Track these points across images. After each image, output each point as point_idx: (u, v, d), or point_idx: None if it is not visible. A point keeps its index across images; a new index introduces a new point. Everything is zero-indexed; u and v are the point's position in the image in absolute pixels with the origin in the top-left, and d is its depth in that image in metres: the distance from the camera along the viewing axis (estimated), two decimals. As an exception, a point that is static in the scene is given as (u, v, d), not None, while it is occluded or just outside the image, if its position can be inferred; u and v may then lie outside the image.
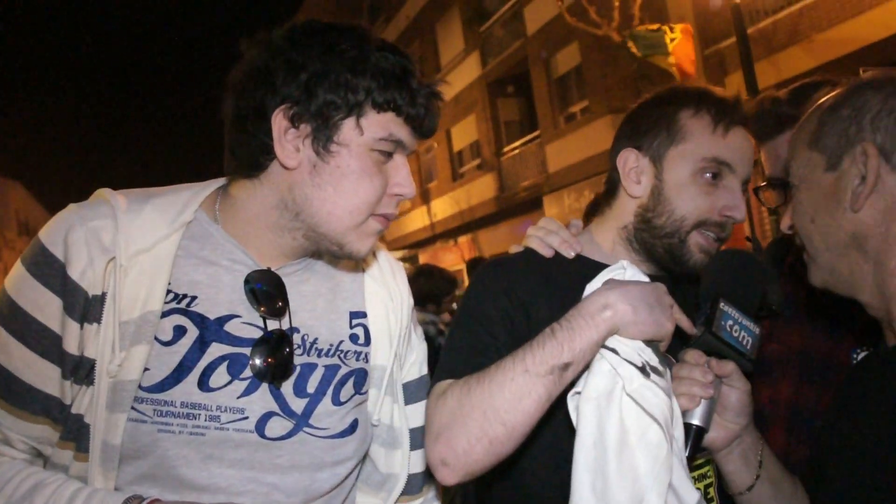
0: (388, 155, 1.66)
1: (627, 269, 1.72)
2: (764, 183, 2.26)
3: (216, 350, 1.61)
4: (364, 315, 1.85)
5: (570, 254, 1.99)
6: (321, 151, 1.60)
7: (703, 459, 1.86)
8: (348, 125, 1.60)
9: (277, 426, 1.65)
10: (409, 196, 1.70)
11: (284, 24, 1.66)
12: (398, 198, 1.70)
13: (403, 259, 31.43)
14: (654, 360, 1.58)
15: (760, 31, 14.07)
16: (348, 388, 1.77)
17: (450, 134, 28.14)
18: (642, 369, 1.55)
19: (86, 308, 1.53)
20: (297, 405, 1.68)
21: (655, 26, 13.85)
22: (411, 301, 1.97)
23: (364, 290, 1.88)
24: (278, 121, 1.59)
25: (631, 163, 1.96)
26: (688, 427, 1.63)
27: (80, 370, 1.54)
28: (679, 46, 13.44)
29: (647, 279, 1.71)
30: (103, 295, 1.53)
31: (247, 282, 1.67)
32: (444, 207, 28.37)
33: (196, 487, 1.57)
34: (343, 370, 1.77)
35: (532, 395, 1.57)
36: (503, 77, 24.49)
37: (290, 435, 1.66)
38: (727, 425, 1.69)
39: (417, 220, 31.01)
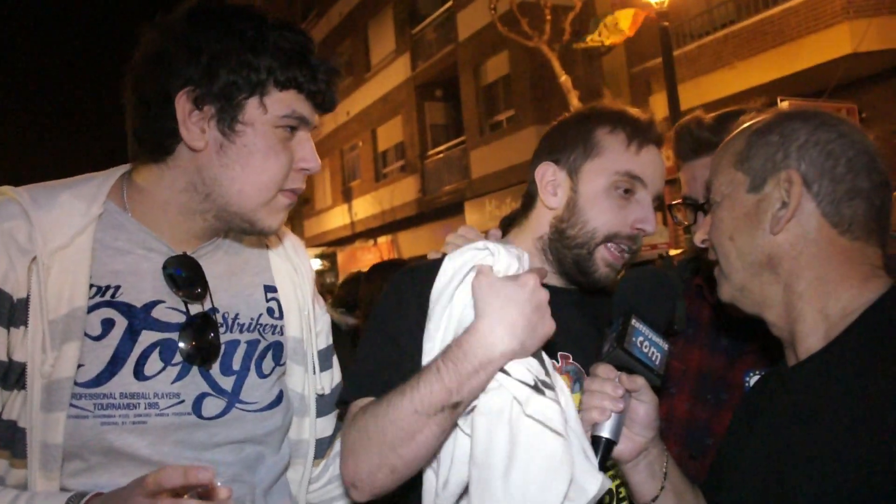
0: (292, 131, 1.68)
1: (496, 253, 1.65)
2: (678, 201, 2.32)
3: (147, 338, 1.62)
4: (275, 289, 1.89)
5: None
6: (227, 131, 1.62)
7: (612, 475, 1.88)
8: (252, 104, 1.62)
9: (212, 406, 1.68)
10: (315, 170, 1.73)
11: (180, 7, 1.66)
12: (304, 172, 1.73)
13: (322, 256, 31.17)
14: (541, 373, 1.60)
15: (686, 54, 14.43)
16: (269, 361, 1.82)
17: (375, 134, 28.08)
18: (535, 388, 1.55)
19: (11, 312, 1.50)
20: (227, 383, 1.72)
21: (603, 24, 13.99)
22: (313, 273, 2.02)
23: (270, 265, 1.92)
24: (182, 104, 1.59)
25: (548, 176, 2.01)
26: (597, 439, 1.66)
27: (11, 375, 1.51)
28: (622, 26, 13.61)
29: (513, 254, 1.67)
30: (28, 297, 1.51)
31: (165, 268, 1.67)
32: (365, 207, 28.26)
33: (143, 465, 1.55)
34: (262, 344, 1.81)
35: (424, 431, 1.57)
36: (432, 81, 24.54)
37: (224, 412, 1.69)
38: (635, 438, 1.72)
39: (338, 219, 30.83)
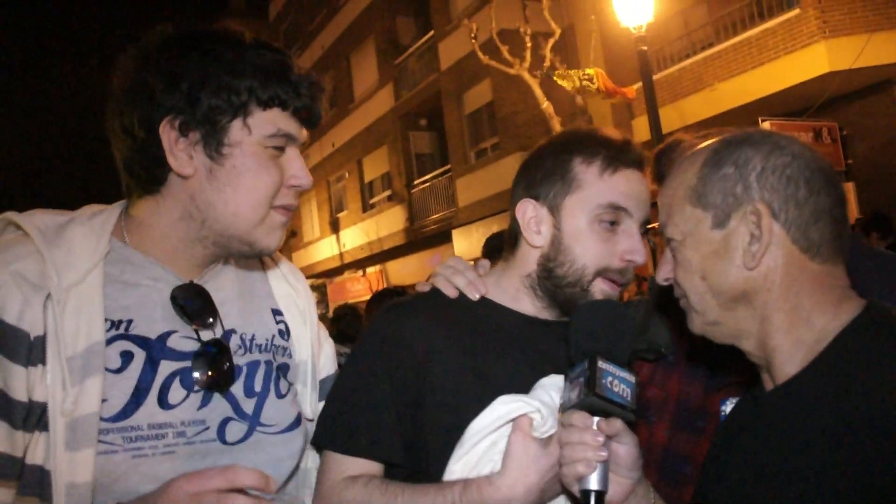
0: (280, 150, 1.68)
1: (541, 410, 1.76)
2: (653, 225, 2.27)
3: (166, 368, 1.61)
4: (281, 312, 1.90)
5: (475, 296, 2.00)
6: (214, 155, 1.61)
7: None
8: (236, 126, 1.62)
9: (235, 430, 1.67)
10: (307, 186, 1.72)
11: (155, 34, 1.66)
12: (296, 188, 1.72)
13: (311, 288, 31.04)
14: None
15: (666, 78, 14.55)
16: (283, 382, 1.81)
17: (361, 164, 28.12)
18: None
19: (29, 350, 1.48)
20: (248, 406, 1.71)
21: (581, 72, 14.31)
22: (313, 300, 2.02)
23: (272, 290, 1.92)
24: (166, 132, 1.59)
25: (529, 213, 1.96)
26: (587, 494, 1.58)
27: (31, 416, 1.48)
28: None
29: (553, 403, 1.75)
30: (45, 335, 1.49)
31: (174, 299, 1.67)
32: (353, 237, 28.24)
33: None
34: (275, 364, 1.81)
35: None
36: (416, 110, 24.65)
37: (246, 437, 1.68)
38: (621, 481, 1.64)
39: (326, 250, 30.78)
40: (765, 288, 1.48)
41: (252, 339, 1.78)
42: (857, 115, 13.07)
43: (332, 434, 1.88)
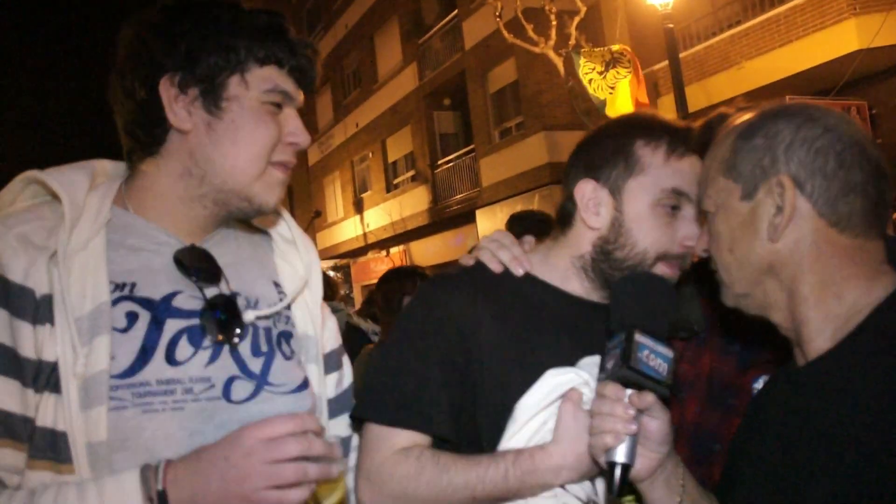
0: (278, 107, 1.72)
1: (590, 384, 1.79)
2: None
3: (172, 326, 1.63)
4: (280, 285, 1.90)
5: (519, 272, 2.00)
6: (213, 110, 1.66)
7: (630, 498, 1.82)
8: (234, 81, 1.66)
9: (241, 389, 1.67)
10: (304, 144, 1.76)
11: (155, 5, 1.71)
12: (293, 146, 1.76)
13: (335, 268, 31.28)
14: (593, 494, 1.78)
15: (693, 56, 14.44)
16: (286, 346, 1.82)
17: (385, 144, 28.16)
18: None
19: (36, 309, 1.50)
20: (255, 365, 1.72)
21: (606, 49, 14.08)
22: (320, 274, 2.01)
23: (274, 260, 1.94)
24: (165, 88, 1.64)
25: (589, 194, 1.95)
26: (612, 465, 1.57)
27: (41, 376, 1.49)
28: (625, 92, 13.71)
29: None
30: (51, 296, 1.52)
31: (179, 262, 1.69)
32: (377, 218, 28.33)
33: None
34: (276, 330, 1.82)
35: None
36: (440, 90, 24.59)
37: (253, 395, 1.69)
38: (650, 455, 1.63)
39: (350, 230, 30.91)
40: (792, 260, 1.47)
41: (256, 303, 1.79)
42: (886, 94, 12.91)
43: (378, 406, 1.87)
